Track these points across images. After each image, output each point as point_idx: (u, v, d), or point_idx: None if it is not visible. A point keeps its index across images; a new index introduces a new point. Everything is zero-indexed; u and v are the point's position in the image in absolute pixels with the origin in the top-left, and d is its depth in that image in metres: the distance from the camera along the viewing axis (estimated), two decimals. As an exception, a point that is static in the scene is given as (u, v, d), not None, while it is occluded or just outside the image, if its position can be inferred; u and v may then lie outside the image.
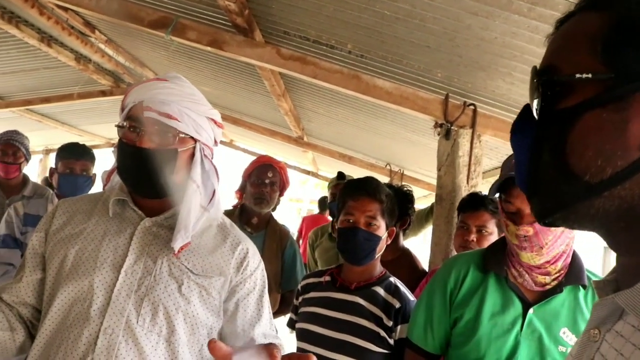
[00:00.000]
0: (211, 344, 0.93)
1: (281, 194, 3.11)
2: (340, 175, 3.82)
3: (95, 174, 3.12)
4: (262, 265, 1.53)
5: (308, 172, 11.97)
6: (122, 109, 1.40)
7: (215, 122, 1.44)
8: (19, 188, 3.69)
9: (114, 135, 10.16)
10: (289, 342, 1.53)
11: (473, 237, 2.54)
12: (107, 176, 1.57)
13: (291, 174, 3.34)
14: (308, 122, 6.54)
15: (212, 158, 1.44)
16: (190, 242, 1.35)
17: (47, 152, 11.37)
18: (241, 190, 3.10)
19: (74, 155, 3.01)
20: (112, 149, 1.58)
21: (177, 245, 1.31)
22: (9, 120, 7.96)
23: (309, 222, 7.50)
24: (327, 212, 7.93)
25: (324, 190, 16.50)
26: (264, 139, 7.50)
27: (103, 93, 7.16)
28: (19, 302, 1.39)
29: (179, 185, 1.36)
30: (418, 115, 3.37)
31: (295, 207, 21.82)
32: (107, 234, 1.37)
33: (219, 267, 1.39)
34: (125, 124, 1.34)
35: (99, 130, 10.00)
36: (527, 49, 2.46)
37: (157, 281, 1.31)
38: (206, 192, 1.41)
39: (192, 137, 1.37)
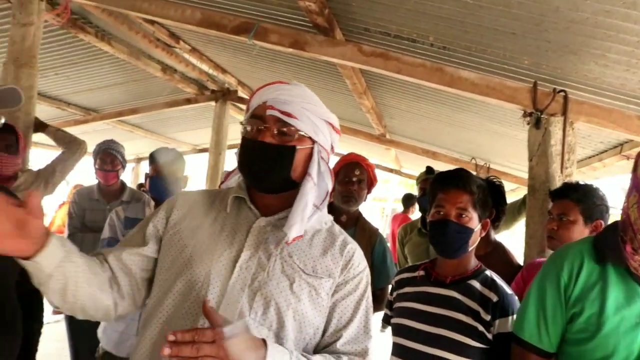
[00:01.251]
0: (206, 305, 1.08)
1: (369, 191, 3.12)
2: (429, 169, 3.78)
3: (186, 176, 3.24)
4: (368, 271, 1.54)
5: (391, 170, 11.91)
6: (247, 111, 1.49)
7: (333, 127, 1.50)
8: (117, 194, 3.91)
9: (199, 142, 10.62)
10: (381, 341, 1.53)
11: (555, 225, 2.52)
12: (226, 175, 1.66)
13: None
14: (390, 119, 6.51)
15: (327, 161, 1.50)
16: (302, 236, 1.41)
17: (138, 160, 11.95)
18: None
19: (163, 159, 3.15)
20: (235, 150, 1.66)
21: (292, 234, 1.37)
22: (103, 131, 8.41)
23: (397, 220, 7.49)
24: (412, 209, 7.89)
25: (407, 188, 16.34)
26: (346, 137, 7.52)
27: (188, 101, 7.44)
28: (122, 269, 1.44)
29: (295, 183, 1.44)
30: (505, 105, 3.28)
31: (378, 207, 21.68)
32: (224, 229, 1.45)
33: (329, 269, 1.44)
34: (249, 123, 1.43)
35: (185, 137, 10.38)
36: (622, 27, 2.35)
37: (270, 277, 1.37)
38: (320, 192, 1.47)
39: (310, 138, 1.43)
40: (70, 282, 1.25)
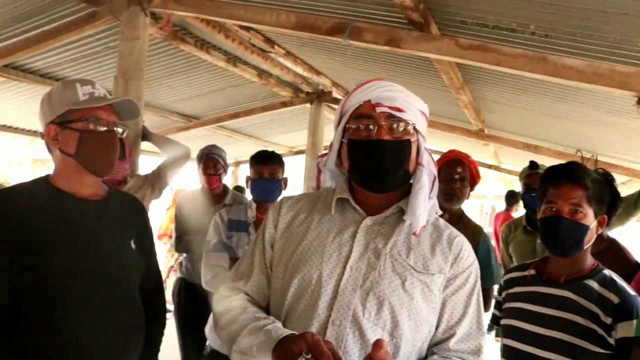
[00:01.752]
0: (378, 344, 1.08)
1: (471, 189, 3.03)
2: (533, 164, 3.61)
3: (285, 178, 3.29)
4: (477, 263, 1.51)
5: (490, 166, 11.58)
6: (342, 115, 1.49)
7: (425, 116, 1.50)
8: (220, 197, 4.04)
9: (295, 144, 10.80)
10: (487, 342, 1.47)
11: None
12: (317, 182, 1.67)
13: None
14: (489, 113, 6.31)
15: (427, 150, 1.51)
16: (425, 226, 1.45)
17: (237, 164, 12.31)
18: None
19: (262, 161, 3.21)
20: (317, 159, 1.67)
21: (419, 225, 1.40)
22: (203, 137, 8.73)
23: (499, 219, 7.25)
24: (516, 207, 7.59)
25: (506, 185, 15.78)
26: (442, 134, 7.37)
27: (284, 104, 7.57)
28: (259, 295, 1.53)
29: (410, 174, 1.46)
30: (615, 92, 3.09)
31: (477, 204, 21.09)
32: (331, 232, 1.47)
33: (439, 265, 1.42)
34: (356, 124, 1.44)
35: (281, 140, 10.58)
36: None
37: (381, 277, 1.37)
38: (429, 181, 1.48)
39: (415, 128, 1.44)
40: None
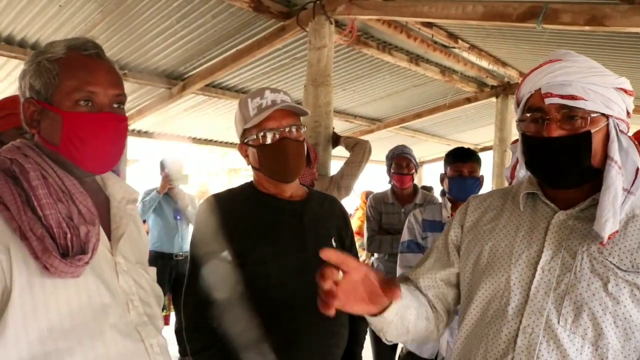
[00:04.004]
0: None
1: None
2: None
3: (482, 176, 3.18)
4: None
5: None
6: (518, 103, 1.35)
7: (625, 92, 1.27)
8: (411, 197, 4.04)
9: (480, 141, 10.47)
10: None
11: None
12: (511, 171, 1.56)
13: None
14: None
15: (627, 132, 1.28)
16: (618, 231, 1.22)
17: (421, 164, 12.27)
18: None
19: (461, 159, 3.12)
20: (510, 145, 1.56)
21: (606, 233, 1.19)
22: (387, 139, 8.85)
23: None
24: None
25: None
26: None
27: (468, 100, 7.39)
28: (437, 295, 1.48)
29: (597, 170, 1.25)
30: None
31: None
32: (520, 229, 1.35)
33: None
34: (526, 116, 1.29)
35: (465, 137, 10.32)
36: None
37: (578, 278, 1.22)
38: (627, 172, 1.25)
39: (603, 114, 1.23)
40: (404, 326, 1.34)
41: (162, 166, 5.45)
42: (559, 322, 1.20)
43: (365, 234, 4.24)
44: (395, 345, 3.85)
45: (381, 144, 8.66)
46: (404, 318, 1.31)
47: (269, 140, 1.76)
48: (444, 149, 8.12)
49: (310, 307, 1.71)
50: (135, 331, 1.20)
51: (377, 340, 4.03)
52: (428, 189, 6.87)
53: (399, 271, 3.07)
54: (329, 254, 1.10)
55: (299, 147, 1.80)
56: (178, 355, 5.40)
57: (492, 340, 1.28)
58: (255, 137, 1.77)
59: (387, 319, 1.25)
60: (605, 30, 3.21)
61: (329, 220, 1.95)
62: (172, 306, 5.66)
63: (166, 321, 6.06)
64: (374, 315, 1.25)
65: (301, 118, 1.88)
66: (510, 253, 1.32)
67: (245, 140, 1.81)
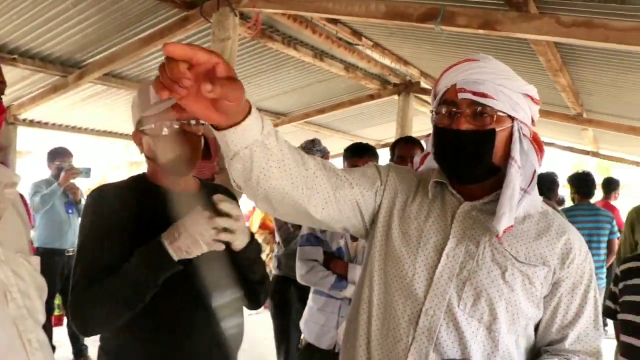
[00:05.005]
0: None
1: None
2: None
3: None
4: (590, 257, 1.41)
5: (587, 152, 11.00)
6: (434, 96, 1.42)
7: (532, 99, 1.37)
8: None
9: (382, 137, 10.73)
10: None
11: None
12: (421, 159, 1.62)
13: (564, 157, 3.03)
14: (588, 96, 5.99)
15: (530, 137, 1.37)
16: (513, 226, 1.31)
17: (325, 158, 12.38)
18: None
19: (357, 154, 3.19)
20: (424, 139, 1.62)
21: (501, 226, 1.27)
22: (291, 134, 8.89)
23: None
24: (614, 194, 7.16)
25: (602, 172, 15.03)
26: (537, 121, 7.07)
27: (371, 97, 7.52)
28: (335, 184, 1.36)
29: (497, 167, 1.34)
30: None
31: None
32: (430, 216, 1.40)
33: (543, 256, 1.33)
34: (439, 109, 1.36)
35: (369, 133, 10.53)
36: None
37: (479, 266, 1.30)
38: (525, 174, 1.35)
39: (509, 116, 1.32)
40: (256, 168, 1.14)
41: (52, 157, 5.20)
42: (458, 306, 1.28)
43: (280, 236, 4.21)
44: (296, 337, 3.90)
45: (286, 138, 8.67)
46: (254, 161, 1.13)
47: (167, 131, 1.70)
48: (347, 144, 8.24)
49: (199, 301, 1.70)
50: (12, 325, 1.13)
51: (279, 330, 4.06)
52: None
53: (298, 265, 3.08)
54: (172, 48, 0.86)
55: (197, 142, 1.76)
56: (72, 356, 5.19)
57: (396, 320, 1.33)
58: (153, 125, 1.71)
59: (229, 142, 1.08)
60: (498, 34, 3.39)
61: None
62: (64, 305, 5.43)
63: (59, 321, 5.79)
64: (219, 129, 1.07)
65: None
66: (420, 236, 1.37)
67: (142, 128, 1.75)
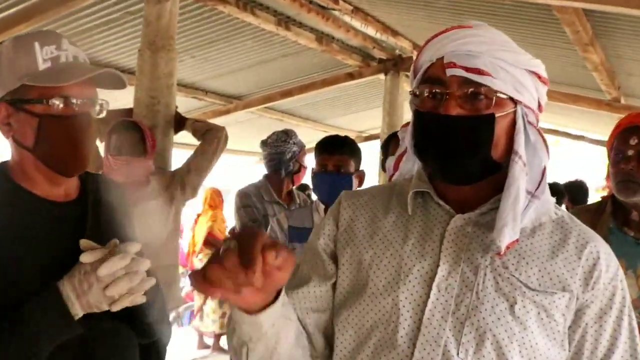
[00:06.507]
0: None
1: None
2: None
3: (362, 171, 3.21)
4: (622, 274, 1.37)
5: (624, 147, 11.18)
6: (415, 73, 1.38)
7: (539, 77, 1.32)
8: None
9: (366, 127, 10.75)
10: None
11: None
12: (395, 163, 1.59)
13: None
14: (627, 76, 6.10)
15: (537, 125, 1.34)
16: (518, 240, 1.27)
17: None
18: None
19: (327, 150, 3.15)
20: (399, 130, 1.60)
21: (504, 241, 1.23)
22: (247, 122, 8.83)
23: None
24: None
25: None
26: (560, 108, 7.17)
27: (350, 76, 7.53)
28: (317, 327, 1.43)
29: (498, 164, 1.31)
30: None
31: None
32: (409, 237, 1.35)
33: (562, 279, 1.29)
34: (421, 90, 1.31)
35: (348, 123, 10.55)
36: None
37: (480, 299, 1.26)
38: (532, 172, 1.32)
39: (511, 98, 1.28)
40: (279, 345, 1.24)
41: None
42: (458, 354, 1.24)
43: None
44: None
45: (240, 127, 8.64)
46: (279, 336, 1.23)
47: (66, 112, 1.59)
48: (320, 136, 8.21)
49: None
50: None
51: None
52: (304, 187, 6.80)
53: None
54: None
55: (93, 133, 1.67)
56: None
57: None
58: (44, 101, 1.57)
59: (262, 323, 1.16)
60: (513, -2, 3.41)
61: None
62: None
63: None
64: (249, 312, 1.14)
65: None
66: (398, 266, 1.32)
67: (19, 100, 1.59)
